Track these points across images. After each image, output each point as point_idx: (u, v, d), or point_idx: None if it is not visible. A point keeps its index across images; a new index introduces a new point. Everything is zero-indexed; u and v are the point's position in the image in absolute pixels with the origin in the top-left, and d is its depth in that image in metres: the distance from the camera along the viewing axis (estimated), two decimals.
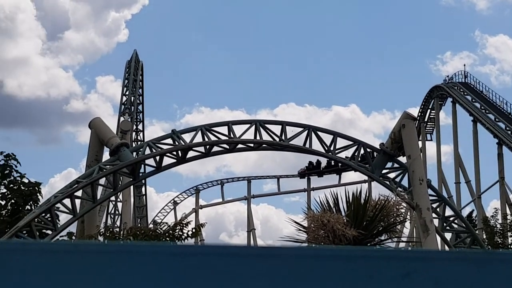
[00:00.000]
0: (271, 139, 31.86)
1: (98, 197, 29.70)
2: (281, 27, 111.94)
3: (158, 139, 30.97)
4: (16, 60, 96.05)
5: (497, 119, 47.73)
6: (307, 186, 62.94)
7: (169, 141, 30.49)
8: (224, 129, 31.05)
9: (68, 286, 1.85)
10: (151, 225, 42.70)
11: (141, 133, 55.43)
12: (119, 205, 49.57)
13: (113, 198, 46.88)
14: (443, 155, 62.58)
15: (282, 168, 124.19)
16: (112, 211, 51.10)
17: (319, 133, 32.27)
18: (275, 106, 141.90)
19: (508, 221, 37.23)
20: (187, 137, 30.48)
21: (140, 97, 54.99)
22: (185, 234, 21.05)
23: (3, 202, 29.06)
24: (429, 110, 58.97)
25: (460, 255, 2.12)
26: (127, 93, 52.53)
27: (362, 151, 32.75)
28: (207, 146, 30.87)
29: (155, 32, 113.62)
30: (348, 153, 33.18)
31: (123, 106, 51.62)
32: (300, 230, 11.78)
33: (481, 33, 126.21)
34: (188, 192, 66.95)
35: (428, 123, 59.75)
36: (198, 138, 30.49)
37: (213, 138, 30.73)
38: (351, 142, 32.71)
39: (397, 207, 12.33)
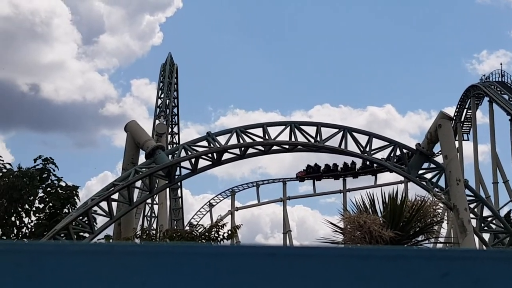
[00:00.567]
0: (306, 141, 31.82)
1: (135, 199, 29.91)
2: (315, 27, 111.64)
3: (194, 141, 31.08)
4: (52, 65, 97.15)
5: None
6: (342, 187, 62.66)
7: (204, 143, 30.59)
8: (259, 131, 31.09)
9: (104, 287, 1.85)
10: (187, 227, 42.90)
11: (176, 135, 55.73)
12: (156, 207, 49.89)
13: (149, 200, 47.19)
14: (480, 154, 62.05)
15: None
16: (149, 214, 51.48)
17: (354, 134, 32.17)
18: (309, 107, 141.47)
19: None
20: (222, 139, 30.57)
21: (175, 100, 55.20)
22: (221, 236, 21.06)
23: (41, 206, 29.47)
24: (465, 110, 58.38)
25: (499, 254, 2.08)
26: (162, 96, 52.82)
27: (398, 152, 32.57)
28: (242, 148, 30.94)
29: (189, 34, 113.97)
30: (384, 153, 33.07)
31: (158, 109, 51.96)
32: (336, 231, 11.74)
33: None
34: (223, 194, 67.00)
35: (465, 123, 59.14)
36: (233, 140, 30.58)
37: (248, 140, 30.79)
38: (386, 143, 32.57)
39: (434, 207, 12.23)
